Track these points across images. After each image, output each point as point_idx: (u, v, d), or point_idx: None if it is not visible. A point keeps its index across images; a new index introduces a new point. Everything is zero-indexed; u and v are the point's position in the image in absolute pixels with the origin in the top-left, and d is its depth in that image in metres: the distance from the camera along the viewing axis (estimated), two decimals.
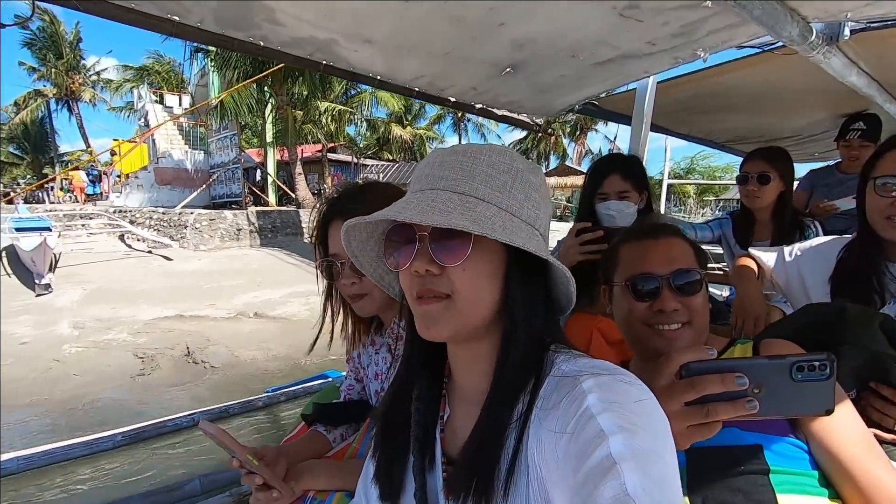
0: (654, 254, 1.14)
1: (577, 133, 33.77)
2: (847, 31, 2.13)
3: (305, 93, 18.85)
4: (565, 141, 34.27)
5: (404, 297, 0.80)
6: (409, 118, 28.55)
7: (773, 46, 2.35)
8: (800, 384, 0.73)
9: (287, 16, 1.49)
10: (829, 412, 0.74)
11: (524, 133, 33.12)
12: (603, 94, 2.58)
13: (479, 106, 2.30)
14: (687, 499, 0.93)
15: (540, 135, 30.43)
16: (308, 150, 24.72)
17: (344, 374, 1.56)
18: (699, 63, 2.28)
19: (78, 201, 23.84)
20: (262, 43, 1.49)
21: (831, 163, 3.34)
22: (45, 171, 34.46)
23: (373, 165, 28.21)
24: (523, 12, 1.64)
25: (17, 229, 12.14)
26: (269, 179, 21.83)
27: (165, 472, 3.85)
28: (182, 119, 24.31)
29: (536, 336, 0.73)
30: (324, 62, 1.67)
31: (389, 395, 0.87)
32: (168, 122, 23.63)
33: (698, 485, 0.92)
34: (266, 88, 18.88)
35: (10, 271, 11.26)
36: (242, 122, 21.87)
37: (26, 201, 24.71)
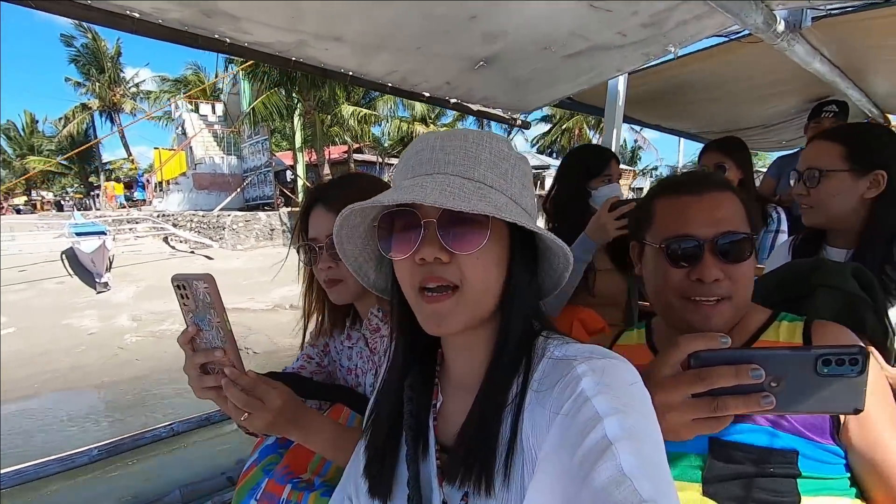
0: (697, 212, 0.89)
1: (602, 125, 32.13)
2: (809, 18, 1.99)
3: (332, 99, 18.66)
4: (590, 133, 32.36)
5: (382, 292, 0.76)
6: (433, 117, 27.14)
7: (738, 35, 2.19)
8: (825, 379, 0.59)
9: (252, 24, 1.33)
10: (858, 411, 0.60)
11: (548, 126, 32.04)
12: (578, 92, 2.42)
13: (453, 101, 2.13)
14: (699, 486, 0.81)
15: (564, 126, 29.99)
16: (335, 152, 24.33)
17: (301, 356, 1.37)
18: (669, 55, 2.13)
19: (108, 207, 24.42)
20: (228, 41, 1.33)
21: (798, 150, 3.17)
22: (91, 179, 34.90)
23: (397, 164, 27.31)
24: (494, 5, 1.49)
25: (77, 234, 12.21)
26: (299, 181, 21.52)
27: (144, 485, 3.57)
28: (216, 126, 24.01)
29: (529, 321, 0.68)
30: (294, 59, 1.51)
31: (381, 385, 0.78)
32: (203, 130, 23.65)
33: (715, 475, 0.80)
34: (294, 94, 18.65)
35: (71, 272, 11.44)
36: (272, 127, 21.71)
37: (76, 207, 25.70)
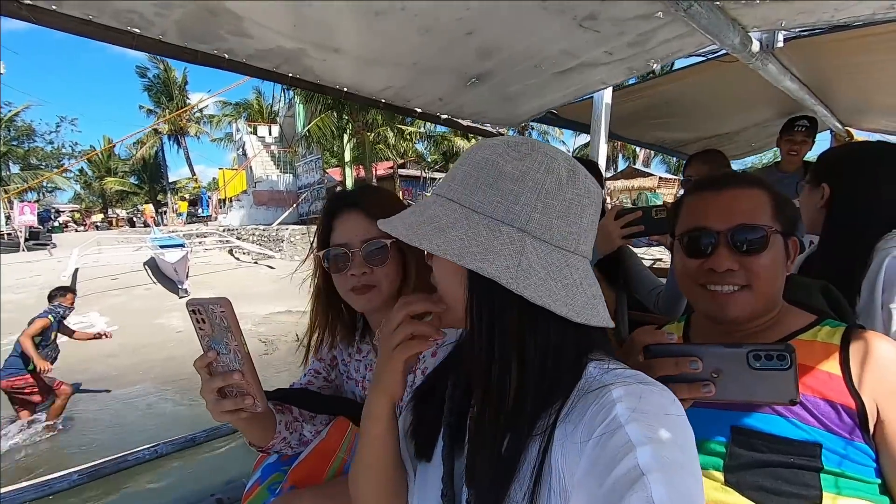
0: (715, 206, 0.93)
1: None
2: (781, 39, 2.13)
3: (380, 119, 20.23)
4: None
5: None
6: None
7: (717, 55, 2.32)
8: (759, 372, 0.70)
9: (255, 26, 1.32)
10: (794, 402, 0.69)
11: (588, 138, 32.62)
12: (563, 104, 2.51)
13: (444, 117, 2.17)
14: (721, 475, 0.84)
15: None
16: (381, 168, 25.38)
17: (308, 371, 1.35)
18: (651, 69, 2.24)
19: (149, 226, 27.96)
20: (227, 56, 1.33)
21: (772, 165, 3.34)
22: (159, 197, 39.85)
23: (441, 178, 27.75)
24: (489, 21, 1.54)
25: (161, 246, 13.84)
26: None
27: None
28: (273, 147, 27.18)
29: (514, 336, 0.60)
30: (290, 74, 1.51)
31: (429, 380, 0.80)
32: (262, 151, 26.71)
33: (737, 463, 0.84)
34: (345, 116, 20.28)
35: (154, 279, 12.77)
36: (324, 146, 23.42)
37: (145, 225, 29.78)
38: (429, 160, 28.96)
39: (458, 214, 0.60)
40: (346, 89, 1.73)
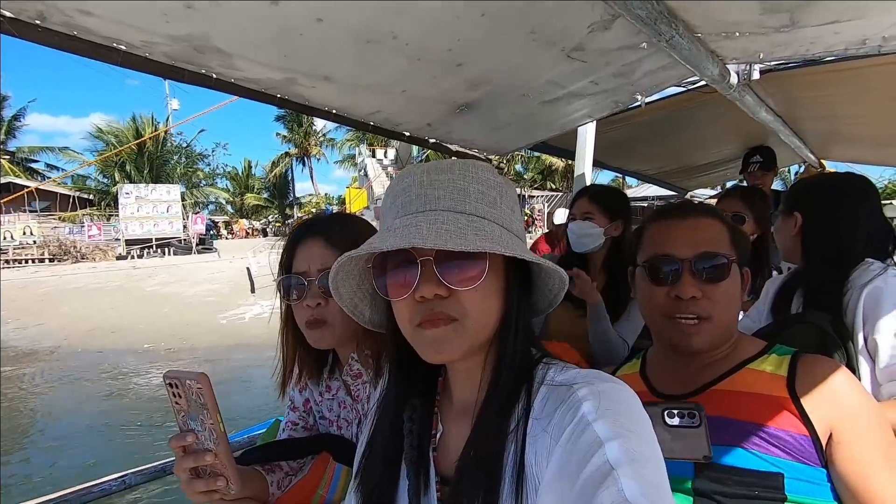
0: (678, 234, 0.96)
1: None
2: (757, 71, 2.20)
3: None
4: None
5: (379, 326, 0.77)
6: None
7: (696, 86, 2.39)
8: (673, 429, 0.75)
9: (245, 60, 1.32)
10: (707, 458, 0.73)
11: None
12: (550, 137, 2.54)
13: (433, 141, 2.19)
14: None
15: None
16: None
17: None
18: (636, 103, 2.28)
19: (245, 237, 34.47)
20: (214, 76, 1.32)
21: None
22: (287, 211, 47.04)
23: (538, 196, 30.35)
24: (480, 53, 1.56)
25: None
26: None
27: None
28: (389, 168, 31.04)
29: (527, 347, 0.68)
30: (279, 95, 1.51)
31: (375, 422, 0.76)
32: (381, 174, 30.40)
33: (704, 498, 0.83)
34: None
35: None
36: None
37: (275, 234, 34.87)
38: (526, 178, 32.02)
39: (506, 235, 0.64)
40: (334, 111, 1.74)
